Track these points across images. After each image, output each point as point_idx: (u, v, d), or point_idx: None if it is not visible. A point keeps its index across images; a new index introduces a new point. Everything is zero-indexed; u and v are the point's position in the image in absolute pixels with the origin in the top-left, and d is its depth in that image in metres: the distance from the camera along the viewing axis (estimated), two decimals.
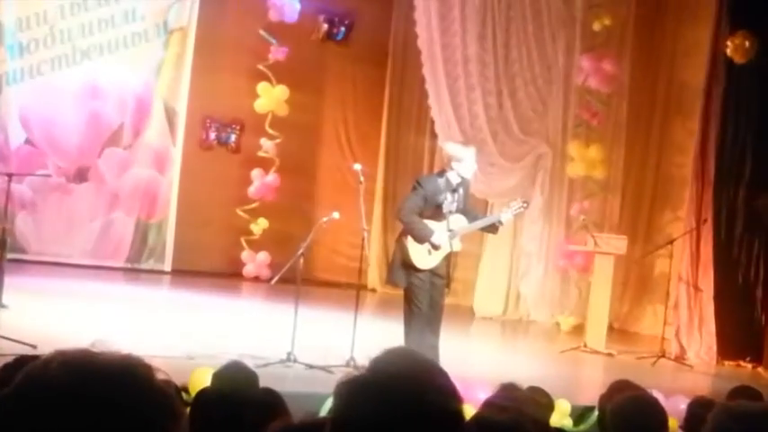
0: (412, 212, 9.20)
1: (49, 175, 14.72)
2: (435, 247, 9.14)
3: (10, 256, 10.81)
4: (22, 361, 3.97)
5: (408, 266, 9.18)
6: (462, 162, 9.26)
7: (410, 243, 9.18)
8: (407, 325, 9.20)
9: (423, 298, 9.18)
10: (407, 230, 9.17)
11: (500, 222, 9.51)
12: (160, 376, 1.74)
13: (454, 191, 9.23)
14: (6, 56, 14.99)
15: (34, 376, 1.68)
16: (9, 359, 6.63)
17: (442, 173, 9.45)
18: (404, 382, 2.04)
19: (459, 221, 9.27)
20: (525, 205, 9.91)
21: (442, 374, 2.16)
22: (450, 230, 9.15)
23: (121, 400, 1.65)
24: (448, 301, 10.05)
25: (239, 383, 5.22)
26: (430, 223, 9.13)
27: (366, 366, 2.11)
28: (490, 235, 15.41)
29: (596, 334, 12.90)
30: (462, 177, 9.27)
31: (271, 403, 3.53)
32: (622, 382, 5.94)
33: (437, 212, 9.19)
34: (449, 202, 9.19)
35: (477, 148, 10.08)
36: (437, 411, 2.05)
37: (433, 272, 9.22)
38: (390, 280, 9.73)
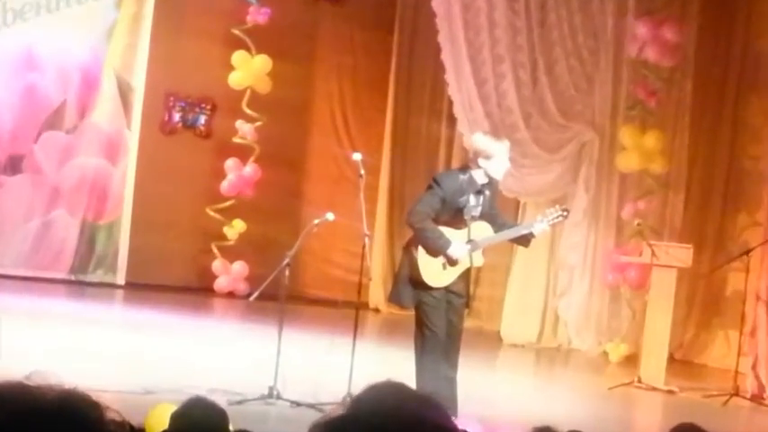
0: (426, 217, 9.12)
1: None
2: (452, 262, 9.07)
3: None
4: None
5: (418, 283, 9.13)
6: (492, 159, 9.18)
7: (421, 255, 9.11)
8: (419, 354, 9.15)
9: (437, 321, 9.11)
10: (419, 239, 9.11)
11: (532, 234, 9.39)
12: (110, 415, 1.73)
13: (479, 192, 9.17)
14: None
15: None
16: None
17: (465, 169, 9.36)
18: (391, 422, 2.03)
19: (482, 230, 9.19)
20: (565, 213, 9.75)
21: (439, 412, 2.15)
22: (470, 241, 9.09)
23: None
24: (469, 324, 10.05)
25: (205, 425, 5.20)
26: (447, 231, 9.06)
27: (346, 405, 2.10)
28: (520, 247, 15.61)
29: (653, 366, 12.88)
30: (490, 178, 9.23)
31: None
32: (687, 426, 5.92)
33: (456, 218, 9.12)
34: (471, 205, 9.11)
35: (507, 137, 10.05)
36: None
37: (448, 289, 9.16)
38: (395, 298, 9.62)
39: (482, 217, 9.19)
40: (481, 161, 9.18)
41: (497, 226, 9.33)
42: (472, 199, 9.13)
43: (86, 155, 15.79)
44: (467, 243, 9.08)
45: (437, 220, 9.11)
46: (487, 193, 9.23)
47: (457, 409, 8.72)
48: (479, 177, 9.16)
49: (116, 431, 1.73)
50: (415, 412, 2.10)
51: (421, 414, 2.11)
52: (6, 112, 15.40)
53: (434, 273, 9.10)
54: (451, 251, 9.03)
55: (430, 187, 9.32)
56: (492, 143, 9.40)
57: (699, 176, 15.68)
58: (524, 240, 9.58)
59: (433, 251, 9.09)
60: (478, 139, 9.51)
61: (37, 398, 1.67)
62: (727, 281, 14.98)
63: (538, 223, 9.40)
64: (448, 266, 9.09)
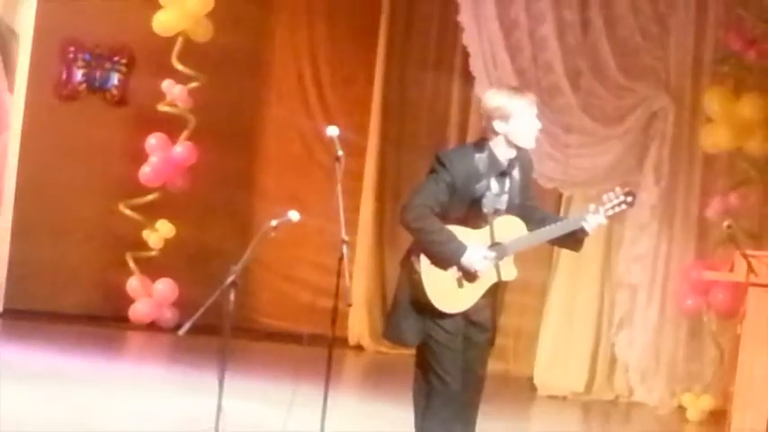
0: (428, 213, 8.91)
1: None
2: (469, 276, 8.89)
3: None
4: None
5: (424, 309, 8.95)
6: (512, 120, 8.93)
7: (425, 268, 8.91)
8: (420, 411, 8.99)
9: (450, 366, 8.90)
10: (420, 245, 8.92)
11: (584, 231, 9.04)
12: None
13: (503, 174, 8.95)
14: None
15: None
16: None
17: (481, 144, 9.09)
18: None
19: (512, 229, 8.86)
20: (630, 199, 9.48)
21: None
22: (495, 244, 8.88)
23: None
24: (491, 367, 9.85)
25: None
26: (460, 231, 8.86)
27: None
28: (562, 256, 15.56)
29: (750, 424, 12.85)
30: (517, 148, 8.99)
31: None
32: None
33: (473, 213, 8.87)
34: (494, 194, 8.86)
35: (546, 105, 9.88)
36: None
37: (468, 319, 8.99)
38: (393, 332, 9.41)
39: (510, 210, 8.90)
40: (497, 125, 8.88)
41: (534, 222, 8.97)
42: (494, 185, 8.82)
43: None
44: (490, 247, 8.85)
45: (446, 217, 8.85)
46: (516, 175, 8.97)
47: None
48: (501, 151, 8.85)
49: None
50: None
51: None
52: None
53: (446, 293, 8.84)
54: (468, 259, 8.75)
55: (433, 170, 9.05)
56: (508, 97, 9.16)
57: None
58: (573, 242, 9.20)
59: (442, 261, 8.85)
60: (490, 96, 9.25)
61: None
62: None
63: (592, 214, 8.83)
64: (465, 283, 8.89)
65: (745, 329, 13.21)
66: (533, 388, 15.49)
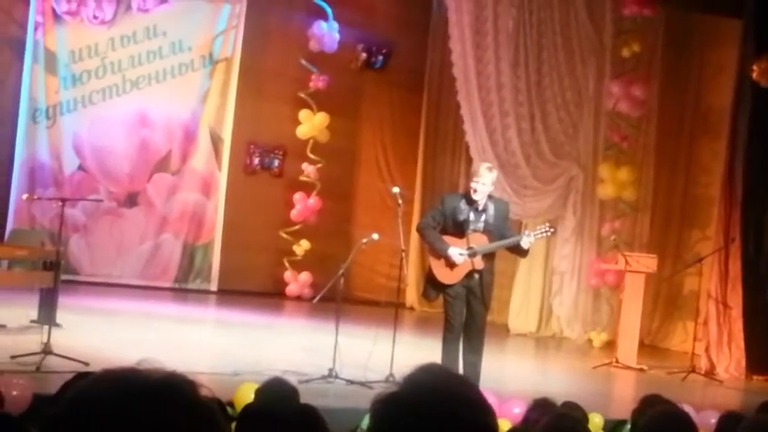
0: (426, 225, 9.20)
1: (100, 200, 14.87)
2: (451, 264, 9.03)
3: (64, 277, 10.87)
4: (79, 378, 3.98)
5: (435, 281, 9.12)
6: (474, 177, 9.12)
7: (433, 259, 9.16)
8: (443, 340, 9.13)
9: (453, 314, 9.03)
10: (423, 241, 9.18)
11: (520, 246, 9.05)
12: (203, 392, 1.73)
13: (480, 210, 9.04)
14: (60, 86, 15.16)
15: (82, 394, 1.69)
16: (64, 376, 6.68)
17: (467, 192, 9.26)
18: (435, 396, 2.03)
19: (481, 240, 8.98)
20: (552, 230, 9.47)
21: (474, 389, 2.14)
22: (470, 248, 9.00)
23: (165, 415, 1.65)
24: None
25: (281, 398, 5.20)
26: (450, 239, 9.00)
27: (400, 382, 2.10)
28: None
29: (628, 350, 12.84)
30: (477, 191, 8.93)
31: (308, 419, 3.50)
32: (654, 396, 5.88)
33: (458, 230, 9.00)
34: (471, 220, 8.97)
35: (511, 173, 9.93)
36: (469, 425, 2.03)
37: (470, 291, 9.09)
38: (423, 293, 9.77)
39: (486, 230, 8.97)
40: (472, 180, 9.12)
41: (499, 238, 9.04)
42: (472, 215, 8.99)
43: (187, 191, 15.89)
44: (467, 249, 8.98)
45: (445, 232, 9.04)
46: (492, 212, 9.00)
47: (478, 386, 8.67)
48: (474, 194, 8.95)
49: (208, 403, 1.73)
50: (454, 389, 2.09)
51: (459, 390, 2.10)
52: (126, 158, 15.52)
53: (443, 271, 9.04)
54: (449, 253, 8.96)
55: (436, 204, 9.36)
56: (477, 165, 9.44)
57: (661, 201, 15.59)
58: (522, 252, 9.26)
59: (434, 252, 9.08)
60: (474, 164, 9.45)
61: (145, 378, 1.69)
62: (685, 283, 14.89)
63: (525, 237, 9.04)
64: (454, 268, 9.02)
65: (625, 296, 13.30)
66: (507, 330, 15.42)
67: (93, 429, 1.62)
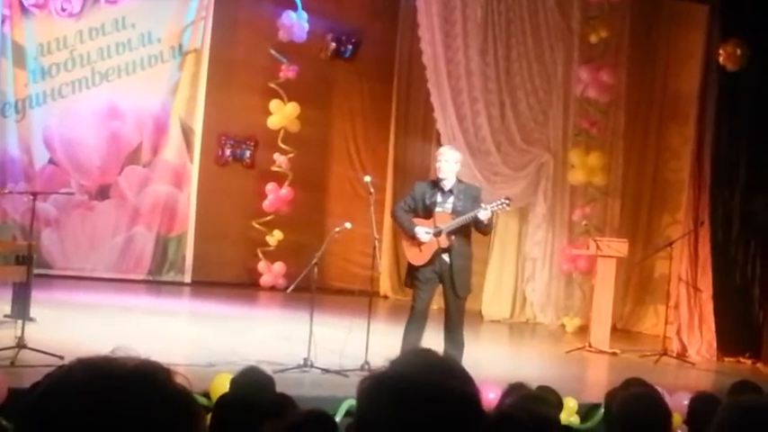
0: (399, 209, 9.33)
1: (72, 194, 14.79)
2: (419, 243, 9.01)
3: (36, 271, 10.83)
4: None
5: (409, 265, 9.17)
6: (438, 157, 9.21)
7: (404, 241, 9.24)
8: (405, 324, 9.11)
9: (419, 299, 9.04)
10: (395, 225, 9.27)
11: (478, 218, 8.89)
12: (179, 379, 1.73)
13: (447, 192, 9.05)
14: (29, 80, 15.04)
15: (57, 382, 1.69)
16: (39, 370, 6.64)
17: (435, 178, 9.30)
18: (423, 378, 2.04)
19: (446, 220, 8.98)
20: (507, 202, 9.28)
21: (462, 372, 2.16)
22: (436, 227, 9.02)
23: (140, 402, 1.65)
24: None
25: (256, 388, 5.20)
26: (419, 221, 9.05)
27: (386, 366, 2.12)
28: (496, 241, 15.52)
29: (600, 334, 12.89)
30: (441, 169, 9.00)
31: (284, 408, 3.51)
32: (635, 379, 5.90)
33: (427, 212, 9.06)
34: (439, 202, 9.02)
35: (482, 160, 9.94)
36: (457, 406, 2.05)
37: (440, 278, 9.09)
38: (405, 283, 9.82)
39: (455, 211, 8.96)
40: (437, 161, 9.19)
41: (462, 215, 8.97)
42: (439, 197, 9.04)
43: (159, 183, 15.81)
44: (433, 229, 9.01)
45: (416, 214, 9.10)
46: (460, 195, 9.01)
47: None
48: (442, 175, 9.03)
49: (183, 390, 1.73)
50: (439, 368, 2.12)
51: (443, 364, 2.15)
52: (95, 152, 15.43)
53: (413, 253, 9.08)
54: (416, 231, 8.99)
55: (408, 191, 9.40)
56: (441, 148, 9.54)
57: (631, 186, 15.65)
58: (482, 228, 9.12)
59: (405, 233, 9.16)
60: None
61: (119, 366, 1.69)
62: (655, 267, 14.97)
63: (482, 210, 8.92)
64: (421, 248, 9.04)
65: (596, 281, 13.36)
66: (481, 316, 15.40)
67: (68, 417, 1.62)
